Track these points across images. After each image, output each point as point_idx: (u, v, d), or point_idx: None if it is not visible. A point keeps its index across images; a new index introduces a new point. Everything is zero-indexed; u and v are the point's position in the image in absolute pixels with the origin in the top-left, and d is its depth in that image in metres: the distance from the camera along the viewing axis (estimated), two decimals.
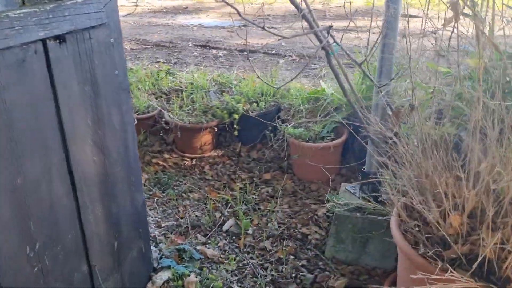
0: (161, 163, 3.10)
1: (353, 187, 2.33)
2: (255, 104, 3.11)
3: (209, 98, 3.33)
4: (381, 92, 1.88)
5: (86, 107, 1.48)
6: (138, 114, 3.29)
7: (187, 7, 10.42)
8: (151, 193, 2.76)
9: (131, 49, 6.58)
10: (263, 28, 1.36)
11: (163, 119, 3.12)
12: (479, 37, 1.26)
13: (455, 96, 1.70)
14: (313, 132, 2.73)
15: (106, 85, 1.56)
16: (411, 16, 2.02)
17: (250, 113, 3.06)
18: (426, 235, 1.59)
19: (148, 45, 6.77)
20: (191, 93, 3.43)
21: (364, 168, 2.16)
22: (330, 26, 1.41)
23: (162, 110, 3.27)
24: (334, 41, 1.61)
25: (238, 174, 2.95)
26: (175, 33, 7.54)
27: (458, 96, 1.71)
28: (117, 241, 1.75)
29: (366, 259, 2.15)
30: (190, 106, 3.23)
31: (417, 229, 1.68)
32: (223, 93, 3.48)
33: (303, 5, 1.67)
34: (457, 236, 1.51)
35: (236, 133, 3.08)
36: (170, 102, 3.42)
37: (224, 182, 2.87)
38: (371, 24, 1.97)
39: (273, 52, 6.21)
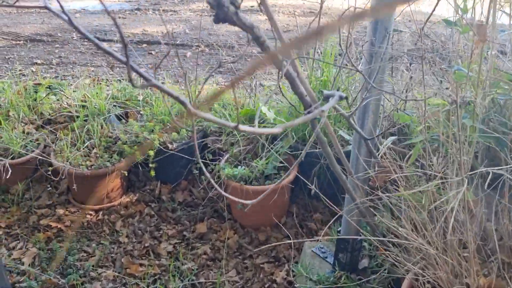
0: (54, 224, 2.29)
1: (322, 248, 1.82)
2: (174, 134, 2.42)
3: (110, 126, 2.55)
4: (370, 147, 1.35)
5: None
6: (12, 159, 2.40)
7: None
8: (42, 279, 1.98)
9: None
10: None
11: (50, 167, 2.29)
12: None
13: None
14: (257, 170, 2.15)
15: None
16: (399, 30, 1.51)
17: (169, 145, 2.37)
18: None
19: (19, 40, 5.50)
20: (85, 120, 2.61)
21: (339, 232, 1.65)
22: (343, 98, 0.81)
23: (45, 154, 2.41)
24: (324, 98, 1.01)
25: (163, 230, 2.28)
26: (54, 22, 6.28)
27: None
28: None
29: None
30: (87, 143, 2.42)
31: None
32: (129, 116, 2.72)
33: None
34: None
35: (153, 173, 2.37)
36: (57, 135, 2.57)
37: (146, 245, 2.17)
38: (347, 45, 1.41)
39: (177, 42, 5.40)
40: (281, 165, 2.24)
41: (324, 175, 2.21)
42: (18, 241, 2.21)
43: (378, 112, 1.38)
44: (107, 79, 4.16)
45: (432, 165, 1.37)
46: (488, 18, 1.06)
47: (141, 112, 2.64)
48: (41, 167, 2.50)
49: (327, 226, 2.03)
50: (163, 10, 7.08)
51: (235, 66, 4.60)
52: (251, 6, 7.40)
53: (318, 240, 1.89)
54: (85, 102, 2.75)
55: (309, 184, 1.58)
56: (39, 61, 4.71)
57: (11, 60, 4.76)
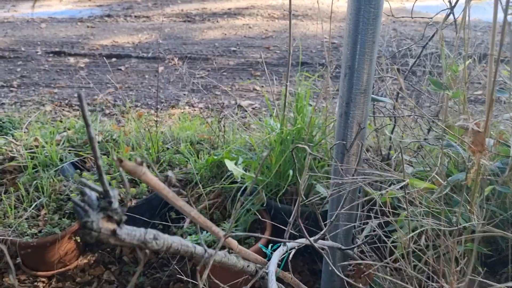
0: None
1: None
2: (133, 189, 2.16)
3: (63, 179, 2.28)
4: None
5: None
6: None
7: None
8: None
9: None
10: None
11: None
12: None
13: None
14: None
15: None
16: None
17: (128, 202, 2.11)
18: None
19: None
20: (36, 171, 2.34)
21: None
22: None
23: None
24: None
25: None
26: (17, 34, 5.90)
27: None
28: None
29: None
30: (36, 201, 2.15)
31: None
32: (85, 166, 2.45)
33: None
34: None
35: None
36: (4, 191, 2.29)
37: None
38: None
39: (149, 55, 5.09)
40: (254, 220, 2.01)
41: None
42: None
43: (354, 201, 1.15)
44: (70, 104, 3.87)
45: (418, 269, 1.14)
46: (487, 125, 0.83)
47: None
48: None
49: None
50: (135, 16, 6.71)
51: (209, 82, 4.33)
52: (228, 9, 7.08)
53: None
54: (36, 147, 2.46)
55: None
56: None
57: None
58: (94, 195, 0.48)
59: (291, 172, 1.84)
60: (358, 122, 0.96)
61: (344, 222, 1.12)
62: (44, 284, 2.13)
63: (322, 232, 0.91)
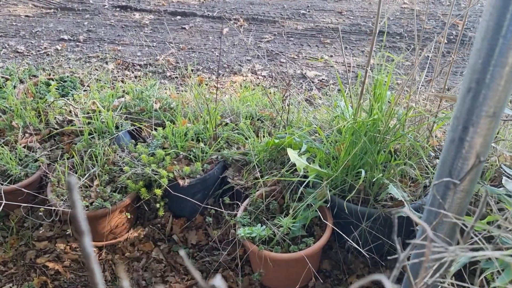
0: (51, 265, 2.03)
1: None
2: (187, 168, 2.03)
3: (118, 148, 2.19)
4: None
5: None
6: (8, 184, 2.13)
7: None
8: None
9: (26, 16, 5.00)
10: None
11: (42, 208, 2.00)
12: None
13: None
14: (281, 230, 1.74)
15: None
16: None
17: (181, 181, 2.00)
18: None
19: (50, 8, 5.18)
20: (92, 137, 2.28)
21: None
22: None
23: (47, 175, 2.13)
24: None
25: (170, 282, 1.96)
26: None
27: None
28: None
29: None
30: (90, 170, 2.09)
31: None
32: (141, 135, 2.36)
33: None
34: None
35: (161, 212, 2.03)
36: (60, 154, 2.26)
37: None
38: None
39: (214, 14, 4.87)
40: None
41: (365, 238, 1.78)
42: (11, 284, 1.99)
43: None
44: (133, 64, 3.80)
45: None
46: None
47: (152, 133, 2.26)
48: (45, 188, 2.23)
49: None
50: None
51: (275, 48, 4.07)
52: None
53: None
54: (93, 112, 2.40)
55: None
56: (66, 37, 4.39)
57: (38, 34, 4.48)
58: None
59: (363, 172, 1.60)
60: (476, 152, 0.71)
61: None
62: (95, 254, 2.11)
63: None
